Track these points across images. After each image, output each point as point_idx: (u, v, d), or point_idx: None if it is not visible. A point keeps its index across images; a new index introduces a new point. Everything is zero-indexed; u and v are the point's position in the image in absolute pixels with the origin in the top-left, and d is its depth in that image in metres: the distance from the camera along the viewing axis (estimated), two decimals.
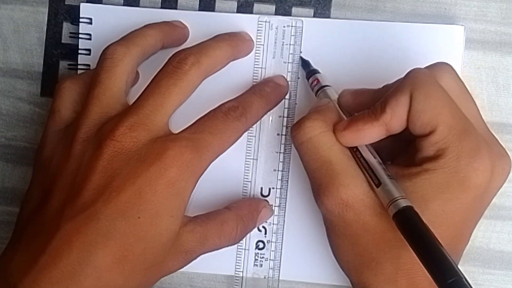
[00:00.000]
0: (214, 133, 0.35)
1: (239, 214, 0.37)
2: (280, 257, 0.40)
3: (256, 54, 0.40)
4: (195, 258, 0.35)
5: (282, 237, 0.40)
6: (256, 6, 0.40)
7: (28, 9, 0.41)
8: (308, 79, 0.38)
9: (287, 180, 0.40)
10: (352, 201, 0.32)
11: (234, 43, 0.38)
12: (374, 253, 0.32)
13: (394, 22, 0.39)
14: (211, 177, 0.39)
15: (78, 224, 0.32)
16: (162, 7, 0.40)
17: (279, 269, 0.40)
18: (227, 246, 0.36)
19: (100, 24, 0.40)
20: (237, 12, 0.40)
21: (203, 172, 0.34)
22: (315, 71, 0.38)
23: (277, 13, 0.40)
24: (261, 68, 0.40)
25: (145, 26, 0.38)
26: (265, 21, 0.40)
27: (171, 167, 0.33)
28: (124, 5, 0.40)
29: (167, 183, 0.33)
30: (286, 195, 0.40)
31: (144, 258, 0.32)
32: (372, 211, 0.32)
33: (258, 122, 0.39)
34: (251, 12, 0.40)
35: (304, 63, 0.39)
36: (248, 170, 0.40)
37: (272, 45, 0.40)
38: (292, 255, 0.40)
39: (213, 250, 0.36)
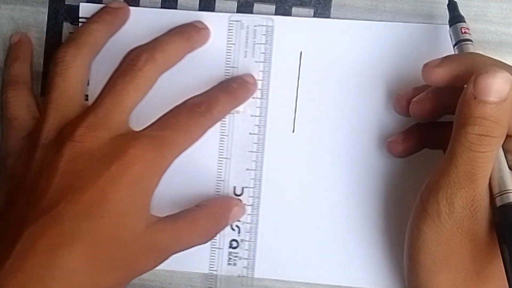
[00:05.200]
0: (177, 130, 0.35)
1: (210, 211, 0.37)
2: (254, 256, 0.40)
3: (228, 54, 0.40)
4: (168, 257, 0.35)
5: (256, 236, 0.40)
6: (256, 6, 0.40)
7: (28, 9, 0.41)
8: (451, 24, 0.36)
9: (260, 179, 0.40)
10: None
11: (188, 35, 0.38)
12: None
13: (394, 22, 0.39)
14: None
15: (41, 227, 0.31)
16: (162, 7, 0.40)
17: (253, 268, 0.40)
18: (200, 244, 0.36)
19: None
20: (237, 12, 0.40)
21: (166, 169, 0.35)
22: (462, 19, 0.36)
23: (277, 13, 0.40)
24: (233, 67, 0.40)
25: (89, 21, 0.38)
26: (236, 21, 0.40)
27: (133, 166, 0.33)
28: None
29: (130, 181, 0.33)
30: (260, 194, 0.40)
31: (112, 257, 0.32)
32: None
33: (231, 122, 0.39)
34: (251, 12, 0.40)
35: (452, 5, 0.37)
36: (221, 169, 0.40)
37: (244, 45, 0.40)
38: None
39: (186, 249, 0.36)
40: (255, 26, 0.39)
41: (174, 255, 0.36)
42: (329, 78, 0.39)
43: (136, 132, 0.35)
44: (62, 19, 0.41)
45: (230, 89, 0.38)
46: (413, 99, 0.35)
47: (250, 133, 0.40)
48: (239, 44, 0.40)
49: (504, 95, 0.29)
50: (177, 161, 0.37)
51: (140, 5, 0.40)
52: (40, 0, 0.41)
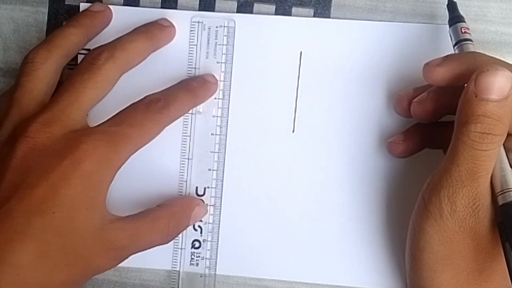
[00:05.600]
0: (133, 126, 0.35)
1: (171, 211, 0.37)
2: (216, 256, 0.40)
3: (190, 55, 0.40)
4: (128, 256, 0.35)
5: (218, 236, 0.40)
6: (256, 6, 0.40)
7: (28, 9, 0.41)
8: (451, 24, 0.37)
9: (222, 180, 0.40)
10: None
11: (151, 34, 0.38)
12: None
13: (394, 22, 0.39)
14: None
15: None
16: (162, 7, 0.40)
17: (215, 268, 0.40)
18: (161, 243, 0.36)
19: None
20: (237, 12, 0.40)
21: (121, 165, 0.35)
22: (462, 19, 0.37)
23: (277, 13, 0.40)
24: (195, 68, 0.40)
25: (66, 24, 0.38)
26: (198, 22, 0.40)
27: (85, 161, 0.33)
28: (124, 5, 0.40)
29: (82, 176, 0.33)
30: (221, 194, 0.40)
31: (65, 254, 0.32)
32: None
33: (193, 123, 0.39)
34: (251, 12, 0.40)
35: (451, 5, 0.37)
36: (183, 169, 0.40)
37: (205, 45, 0.40)
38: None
39: (146, 248, 0.36)
40: (217, 27, 0.40)
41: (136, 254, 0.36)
42: (329, 78, 0.39)
43: (91, 127, 0.35)
44: (62, 19, 0.41)
45: (190, 87, 0.38)
46: (414, 100, 0.35)
47: (212, 134, 0.40)
48: (200, 45, 0.40)
49: (505, 93, 0.30)
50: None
51: (140, 5, 0.40)
52: (40, 0, 0.41)
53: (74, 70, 0.36)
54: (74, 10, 0.41)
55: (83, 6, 0.40)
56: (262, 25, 0.40)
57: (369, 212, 0.39)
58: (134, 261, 0.36)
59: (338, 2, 0.40)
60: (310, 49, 0.39)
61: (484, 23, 0.39)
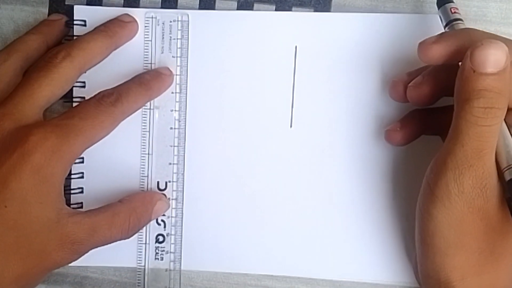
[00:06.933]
0: (84, 118, 0.35)
1: (131, 206, 0.37)
2: (181, 249, 0.40)
3: (145, 50, 0.40)
4: (87, 251, 0.35)
5: (182, 230, 0.40)
6: (256, 6, 0.40)
7: (28, 9, 0.41)
8: (440, 6, 0.36)
9: (183, 173, 0.40)
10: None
11: (111, 32, 0.39)
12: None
13: (394, 14, 0.39)
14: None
15: None
16: (162, 7, 0.40)
17: (180, 261, 0.40)
18: (121, 239, 0.36)
19: (94, 26, 0.40)
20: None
21: (74, 158, 0.35)
22: None
23: None
24: (151, 64, 0.40)
25: (26, 32, 0.40)
26: (152, 17, 0.40)
27: (34, 153, 0.33)
28: (124, 5, 0.41)
29: (32, 169, 0.33)
30: (183, 188, 0.40)
31: (18, 247, 0.32)
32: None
33: (151, 118, 0.40)
34: None
35: None
36: (143, 165, 0.40)
37: (160, 40, 0.40)
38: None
39: (106, 243, 0.35)
40: (171, 21, 0.40)
41: (101, 250, 0.35)
42: (325, 71, 0.39)
43: (42, 121, 0.35)
44: None
45: (143, 81, 0.38)
46: (410, 84, 0.35)
47: (171, 128, 0.40)
48: (155, 40, 0.40)
49: (502, 65, 0.29)
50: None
51: (140, 5, 0.41)
52: (40, 0, 0.41)
53: (31, 68, 0.37)
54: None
55: (77, 8, 0.40)
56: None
57: (369, 204, 0.39)
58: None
59: (338, 2, 0.40)
60: (305, 43, 0.39)
61: (484, 23, 0.39)
